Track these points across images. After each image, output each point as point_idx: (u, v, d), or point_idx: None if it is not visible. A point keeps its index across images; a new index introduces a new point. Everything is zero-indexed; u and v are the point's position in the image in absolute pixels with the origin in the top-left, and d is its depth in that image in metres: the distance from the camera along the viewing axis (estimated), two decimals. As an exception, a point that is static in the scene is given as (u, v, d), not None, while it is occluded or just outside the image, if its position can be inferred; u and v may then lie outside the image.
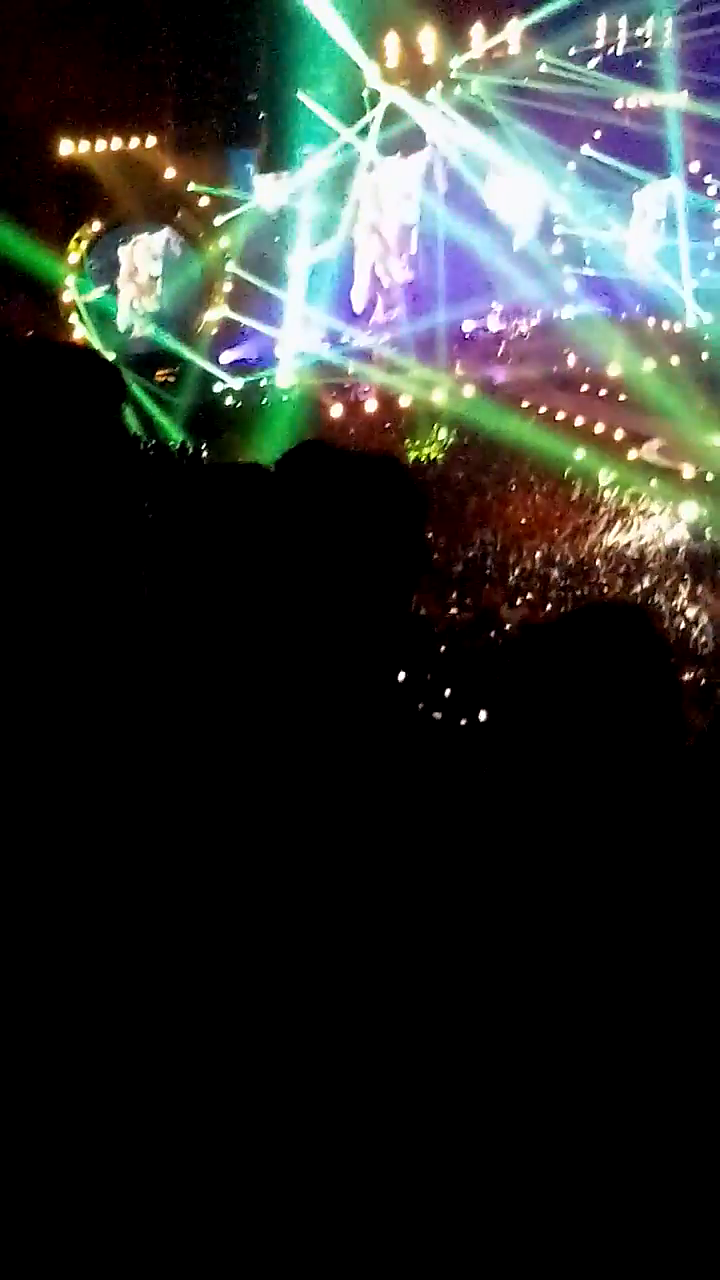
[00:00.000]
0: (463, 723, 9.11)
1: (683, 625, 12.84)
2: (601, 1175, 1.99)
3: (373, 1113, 2.15)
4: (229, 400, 16.81)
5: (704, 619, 12.94)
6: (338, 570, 2.47)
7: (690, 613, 13.13)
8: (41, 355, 2.74)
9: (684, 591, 13.60)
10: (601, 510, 15.49)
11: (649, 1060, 2.02)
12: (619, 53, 18.56)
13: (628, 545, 14.71)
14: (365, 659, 2.59)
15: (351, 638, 2.55)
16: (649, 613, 2.23)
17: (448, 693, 9.97)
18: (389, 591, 2.59)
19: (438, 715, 9.09)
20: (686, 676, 11.07)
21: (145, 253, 16.87)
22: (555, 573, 14.05)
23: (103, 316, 16.44)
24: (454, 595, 13.17)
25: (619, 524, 15.17)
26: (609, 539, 14.89)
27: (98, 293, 16.35)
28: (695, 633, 12.62)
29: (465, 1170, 2.06)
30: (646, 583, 13.74)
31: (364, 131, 17.46)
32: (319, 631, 2.46)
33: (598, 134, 18.64)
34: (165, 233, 16.95)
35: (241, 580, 2.50)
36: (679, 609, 13.11)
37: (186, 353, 16.85)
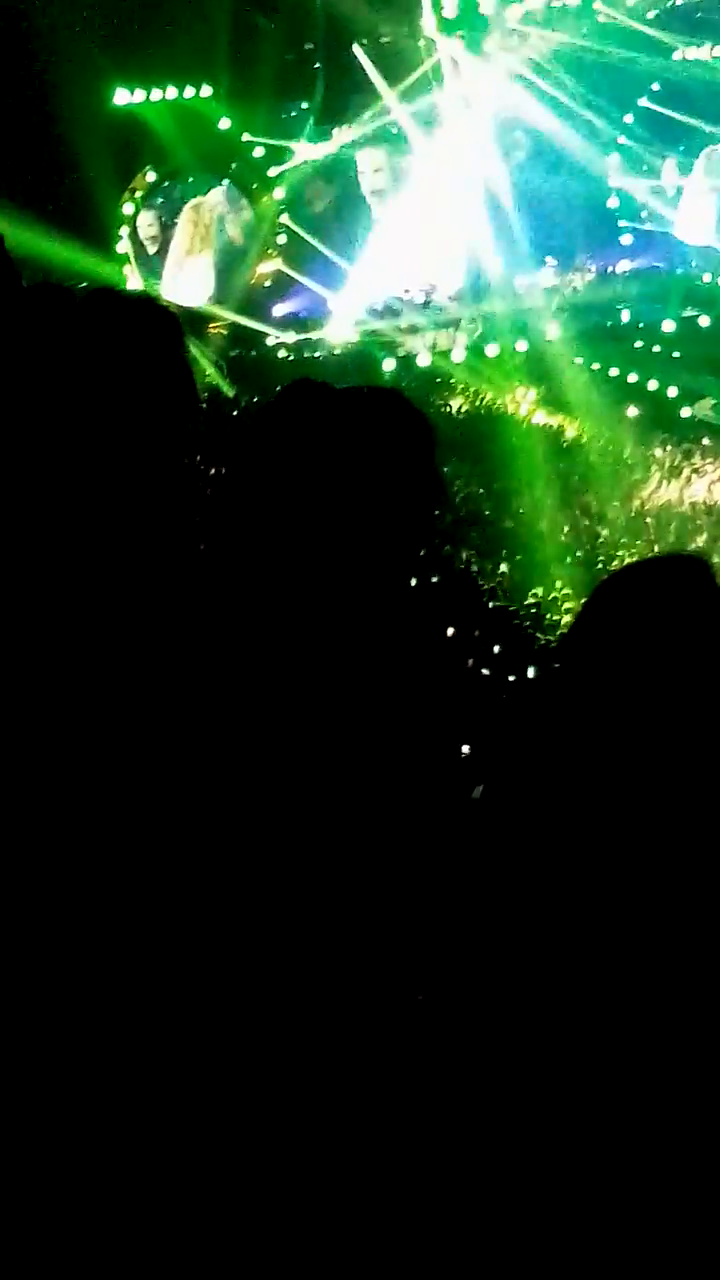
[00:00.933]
0: (511, 679, 9.11)
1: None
2: (602, 1169, 1.99)
3: (372, 1100, 2.16)
4: (281, 354, 16.76)
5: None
6: (346, 504, 2.46)
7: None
8: (102, 304, 2.75)
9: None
10: (653, 468, 15.39)
11: (668, 1045, 2.02)
12: (678, 2, 18.27)
13: (680, 503, 14.62)
14: (386, 596, 2.57)
15: (370, 576, 2.54)
16: (707, 564, 2.21)
17: (496, 649, 9.96)
18: (401, 525, 2.56)
19: (486, 671, 9.10)
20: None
21: (202, 201, 16.83)
22: (605, 531, 13.98)
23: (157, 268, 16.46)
24: (504, 551, 13.12)
25: (671, 482, 15.08)
26: (661, 497, 14.80)
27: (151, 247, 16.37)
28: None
29: (464, 1164, 2.07)
30: (700, 541, 13.65)
31: (422, 83, 17.30)
32: (342, 571, 2.45)
33: (656, 86, 18.37)
34: (220, 182, 16.90)
35: (291, 528, 2.50)
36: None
37: (238, 305, 16.82)
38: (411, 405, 2.65)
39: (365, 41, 16.85)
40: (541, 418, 16.21)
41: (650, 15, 18.10)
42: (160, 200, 16.56)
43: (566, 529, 13.82)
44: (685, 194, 19.19)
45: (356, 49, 16.66)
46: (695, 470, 15.25)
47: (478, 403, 16.41)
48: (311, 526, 2.52)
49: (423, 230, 18.06)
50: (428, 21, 17.00)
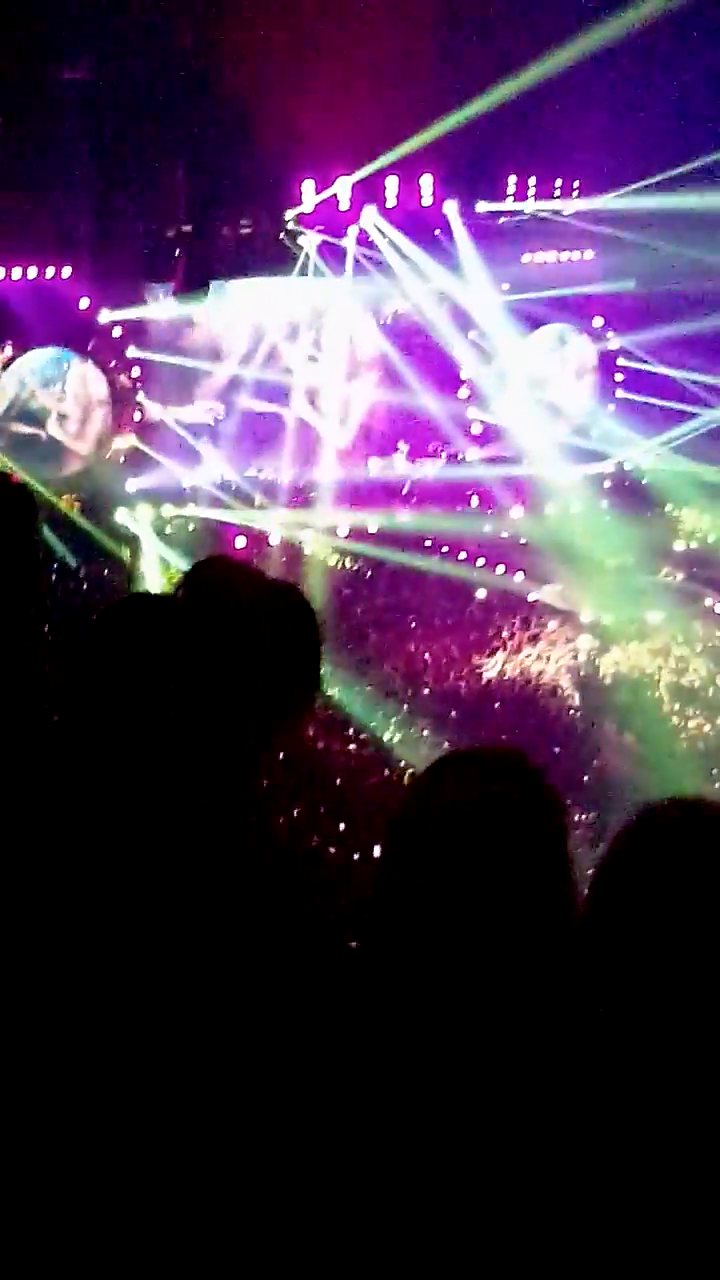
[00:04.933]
0: (355, 857, 9.09)
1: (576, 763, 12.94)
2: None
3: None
4: (133, 527, 16.83)
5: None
6: (233, 684, 2.46)
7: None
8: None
9: (578, 729, 13.73)
10: (500, 650, 15.63)
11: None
12: (529, 212, 19.06)
13: (525, 684, 14.85)
14: (249, 781, 2.56)
15: (240, 761, 2.52)
16: (528, 755, 2.23)
17: (342, 827, 9.95)
18: (283, 710, 2.57)
19: (332, 850, 9.07)
20: (579, 817, 11.15)
21: (57, 379, 17.01)
22: (454, 712, 14.12)
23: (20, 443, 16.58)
24: (351, 731, 13.16)
25: (516, 662, 15.33)
26: (508, 677, 15.02)
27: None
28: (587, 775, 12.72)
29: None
30: (543, 718, 13.85)
31: (286, 269, 17.82)
32: (209, 752, 2.43)
33: (506, 285, 19.09)
34: (77, 359, 17.09)
35: (142, 704, 2.48)
36: (574, 747, 13.23)
37: (93, 480, 16.93)
38: (305, 601, 2.68)
39: (226, 232, 17.32)
40: (391, 597, 16.43)
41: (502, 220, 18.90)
42: (16, 376, 16.68)
43: (411, 709, 13.92)
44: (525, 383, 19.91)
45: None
46: (539, 655, 15.52)
47: (327, 581, 16.59)
48: (178, 707, 2.50)
49: (280, 412, 18.40)
50: (288, 211, 17.56)
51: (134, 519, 16.78)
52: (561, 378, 20.07)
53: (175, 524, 17.13)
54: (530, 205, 18.78)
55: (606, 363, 19.98)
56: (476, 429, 19.48)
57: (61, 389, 16.90)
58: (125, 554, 15.85)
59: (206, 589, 2.64)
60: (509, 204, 18.74)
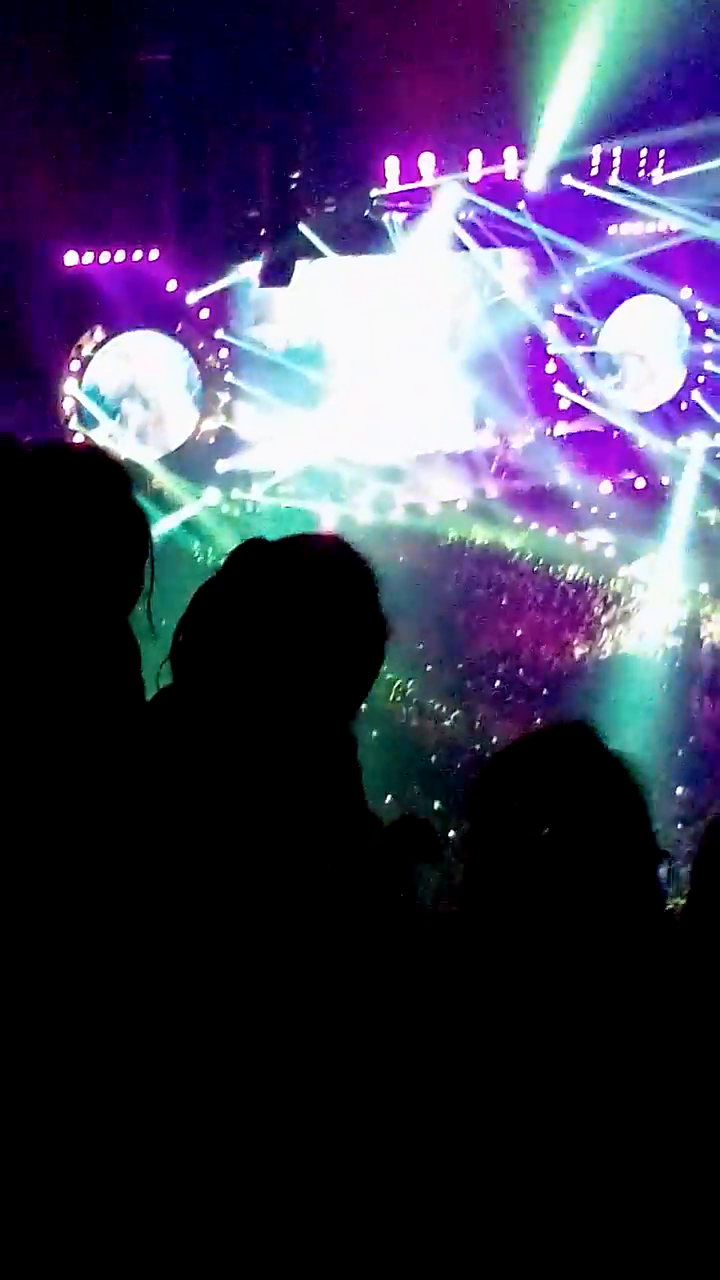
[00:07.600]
0: (451, 834, 9.09)
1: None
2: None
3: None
4: (225, 509, 16.94)
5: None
6: (293, 661, 2.46)
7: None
8: (51, 458, 2.78)
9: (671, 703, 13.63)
10: (592, 625, 15.57)
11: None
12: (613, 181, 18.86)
13: (617, 658, 14.78)
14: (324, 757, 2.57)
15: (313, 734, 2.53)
16: (593, 729, 2.23)
17: (436, 805, 9.97)
18: (345, 673, 2.56)
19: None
20: (678, 792, 11.10)
21: (147, 359, 17.14)
22: (545, 688, 14.08)
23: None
24: (442, 709, 13.18)
25: (608, 637, 15.26)
26: (600, 652, 14.96)
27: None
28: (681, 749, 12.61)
29: None
30: (635, 693, 13.76)
31: (372, 248, 17.81)
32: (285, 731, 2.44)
33: (593, 257, 18.94)
34: (166, 341, 17.20)
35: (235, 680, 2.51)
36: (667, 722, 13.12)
37: (182, 461, 17.06)
38: (352, 550, 2.69)
39: (310, 211, 17.32)
40: (481, 573, 16.41)
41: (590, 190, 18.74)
42: (111, 357, 16.83)
43: (496, 685, 13.90)
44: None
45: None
46: (630, 630, 15.43)
47: (421, 560, 16.59)
48: (255, 681, 2.51)
49: (367, 390, 18.39)
50: (374, 192, 17.53)
51: (222, 498, 16.91)
52: (651, 350, 19.91)
53: (263, 505, 17.22)
54: (614, 180, 18.62)
55: (695, 335, 19.77)
56: (565, 404, 19.38)
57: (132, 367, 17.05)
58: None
59: (252, 569, 2.63)
60: (592, 179, 18.58)
